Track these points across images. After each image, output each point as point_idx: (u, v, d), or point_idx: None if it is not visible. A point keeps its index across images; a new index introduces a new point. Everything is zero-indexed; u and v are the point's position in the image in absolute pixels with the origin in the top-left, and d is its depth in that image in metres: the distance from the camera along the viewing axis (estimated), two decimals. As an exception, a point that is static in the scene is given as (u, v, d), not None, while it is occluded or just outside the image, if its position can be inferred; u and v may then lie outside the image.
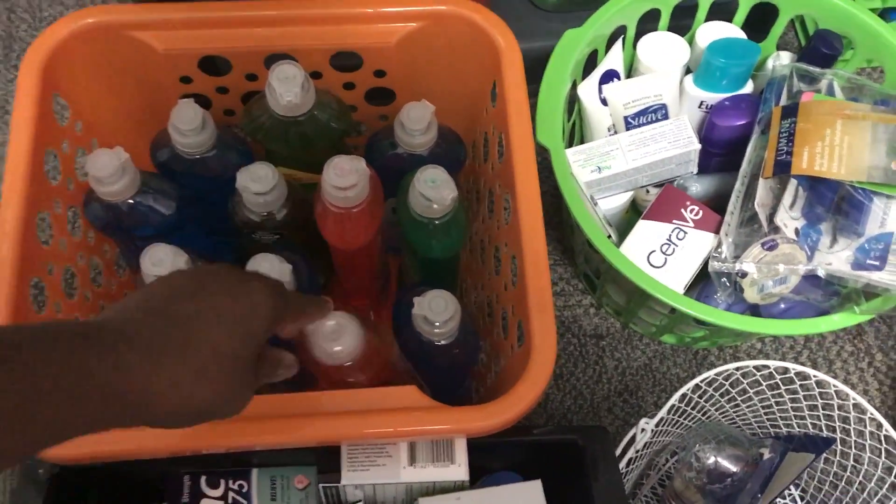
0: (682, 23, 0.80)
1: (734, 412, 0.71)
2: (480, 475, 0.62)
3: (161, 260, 0.58)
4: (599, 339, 0.82)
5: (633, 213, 0.80)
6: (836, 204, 0.64)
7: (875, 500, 0.67)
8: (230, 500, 0.58)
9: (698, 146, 0.71)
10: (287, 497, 0.58)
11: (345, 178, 0.57)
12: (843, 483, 0.70)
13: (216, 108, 0.69)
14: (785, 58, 0.75)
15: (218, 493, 0.58)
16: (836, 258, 0.64)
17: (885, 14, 0.91)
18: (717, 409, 0.71)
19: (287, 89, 0.58)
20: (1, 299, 0.53)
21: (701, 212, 0.67)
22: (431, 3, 0.64)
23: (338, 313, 0.52)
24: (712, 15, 0.78)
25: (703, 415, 0.71)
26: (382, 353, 0.57)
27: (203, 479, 0.58)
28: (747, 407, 0.71)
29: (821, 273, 0.61)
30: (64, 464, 0.54)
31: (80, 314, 0.64)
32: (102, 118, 0.67)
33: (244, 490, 0.59)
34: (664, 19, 0.77)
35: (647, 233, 0.67)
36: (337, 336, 0.52)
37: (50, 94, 0.61)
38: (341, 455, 0.56)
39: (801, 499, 0.75)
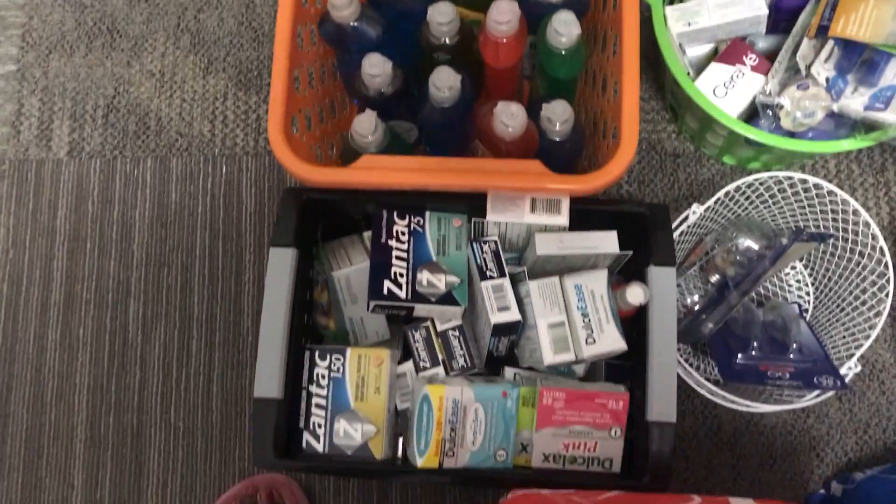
0: None
1: (766, 211, 0.97)
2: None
3: (375, 64, 0.87)
4: (676, 157, 1.08)
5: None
6: (860, 61, 0.87)
7: (863, 281, 0.93)
8: (412, 228, 0.88)
9: (766, 11, 0.93)
10: (448, 230, 0.89)
11: (503, 15, 0.83)
12: (840, 269, 0.96)
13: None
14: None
15: (404, 223, 0.88)
16: (854, 101, 0.87)
17: None
18: (753, 207, 0.97)
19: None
20: (280, 81, 0.83)
21: (757, 59, 0.91)
22: None
23: (515, 104, 0.80)
24: None
25: (742, 210, 0.97)
26: (531, 135, 0.85)
27: (395, 213, 0.89)
28: (776, 208, 0.96)
29: (835, 109, 0.85)
30: (319, 187, 0.84)
31: (313, 98, 0.93)
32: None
33: (420, 223, 0.89)
34: None
35: (716, 72, 0.92)
36: (513, 116, 0.80)
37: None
38: (488, 202, 0.85)
39: (809, 275, 1.02)
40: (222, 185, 1.10)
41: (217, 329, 1.05)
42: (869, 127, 0.87)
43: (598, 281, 0.83)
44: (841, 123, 0.89)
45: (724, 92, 0.91)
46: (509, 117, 0.81)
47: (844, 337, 0.93)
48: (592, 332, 0.81)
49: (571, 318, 0.81)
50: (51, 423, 1.03)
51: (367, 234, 0.92)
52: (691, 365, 0.99)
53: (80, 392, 1.04)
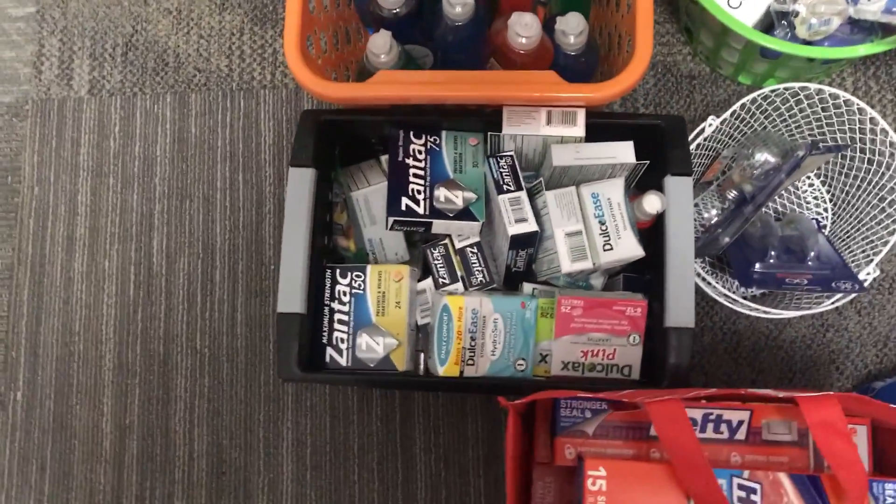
0: None
1: (783, 126, 0.97)
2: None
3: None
4: (692, 79, 1.08)
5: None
6: (878, -34, 0.86)
7: (882, 189, 0.93)
8: (428, 147, 0.89)
9: (781, -79, 0.92)
10: (463, 148, 0.89)
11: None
12: (858, 182, 0.96)
13: None
14: None
15: (420, 142, 0.89)
16: (872, 7, 0.87)
17: None
18: (769, 122, 0.96)
19: None
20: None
21: (772, -32, 0.90)
22: None
23: (529, 14, 0.80)
24: None
25: (758, 125, 0.97)
26: (546, 49, 0.85)
27: (411, 132, 0.90)
28: (793, 122, 0.96)
29: (851, 13, 0.85)
30: (339, 104, 0.85)
31: (328, 21, 0.94)
32: None
33: (437, 142, 0.90)
34: None
35: (730, -17, 0.91)
36: (528, 27, 0.80)
37: None
38: (503, 115, 0.85)
39: (827, 191, 1.02)
40: (241, 118, 1.11)
41: (240, 258, 1.06)
42: (886, 33, 0.86)
43: (614, 189, 0.83)
44: (857, 31, 0.88)
45: (739, 2, 0.90)
46: (524, 28, 0.81)
47: (864, 249, 0.93)
48: (610, 238, 0.82)
49: (589, 227, 0.82)
50: (80, 353, 1.05)
51: (385, 158, 0.93)
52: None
53: (107, 322, 1.06)
